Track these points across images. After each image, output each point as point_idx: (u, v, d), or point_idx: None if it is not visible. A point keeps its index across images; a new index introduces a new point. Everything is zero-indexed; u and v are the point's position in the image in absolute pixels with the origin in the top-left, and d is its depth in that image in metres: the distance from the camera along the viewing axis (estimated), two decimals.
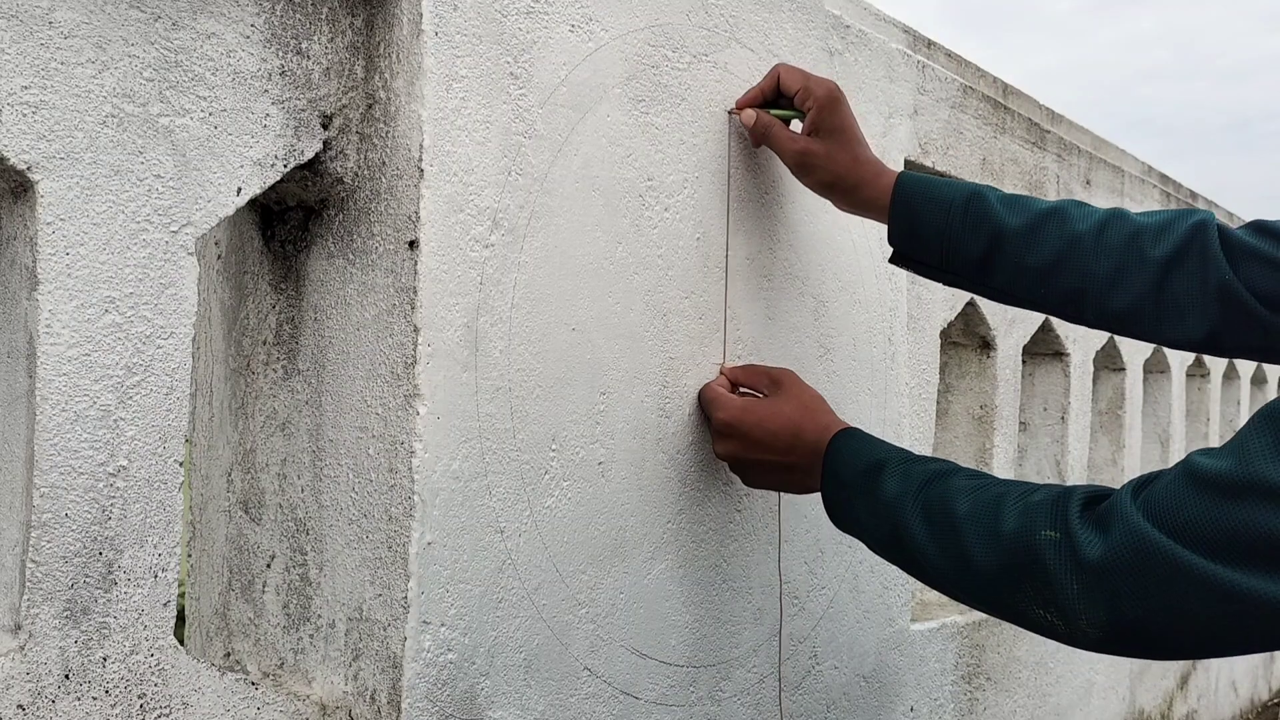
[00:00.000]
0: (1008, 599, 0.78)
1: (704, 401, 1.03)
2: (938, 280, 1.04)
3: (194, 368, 1.01)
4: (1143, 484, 0.73)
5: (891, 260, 1.06)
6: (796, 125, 1.06)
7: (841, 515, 0.93)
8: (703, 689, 1.06)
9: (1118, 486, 0.75)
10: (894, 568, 1.33)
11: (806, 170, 1.03)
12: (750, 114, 1.05)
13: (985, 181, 1.56)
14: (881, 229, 1.29)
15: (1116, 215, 0.95)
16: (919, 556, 0.84)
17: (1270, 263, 0.86)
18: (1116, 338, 2.16)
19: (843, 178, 1.02)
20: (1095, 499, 0.75)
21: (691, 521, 1.04)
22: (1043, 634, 0.78)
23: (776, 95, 1.05)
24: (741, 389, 1.05)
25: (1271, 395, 3.30)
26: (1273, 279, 0.86)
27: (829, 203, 1.11)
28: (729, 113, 1.07)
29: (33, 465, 0.69)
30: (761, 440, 0.96)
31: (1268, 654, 3.13)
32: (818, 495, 0.95)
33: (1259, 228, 0.89)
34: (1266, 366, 3.16)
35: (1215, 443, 2.82)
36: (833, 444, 0.94)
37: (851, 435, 0.95)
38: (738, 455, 0.99)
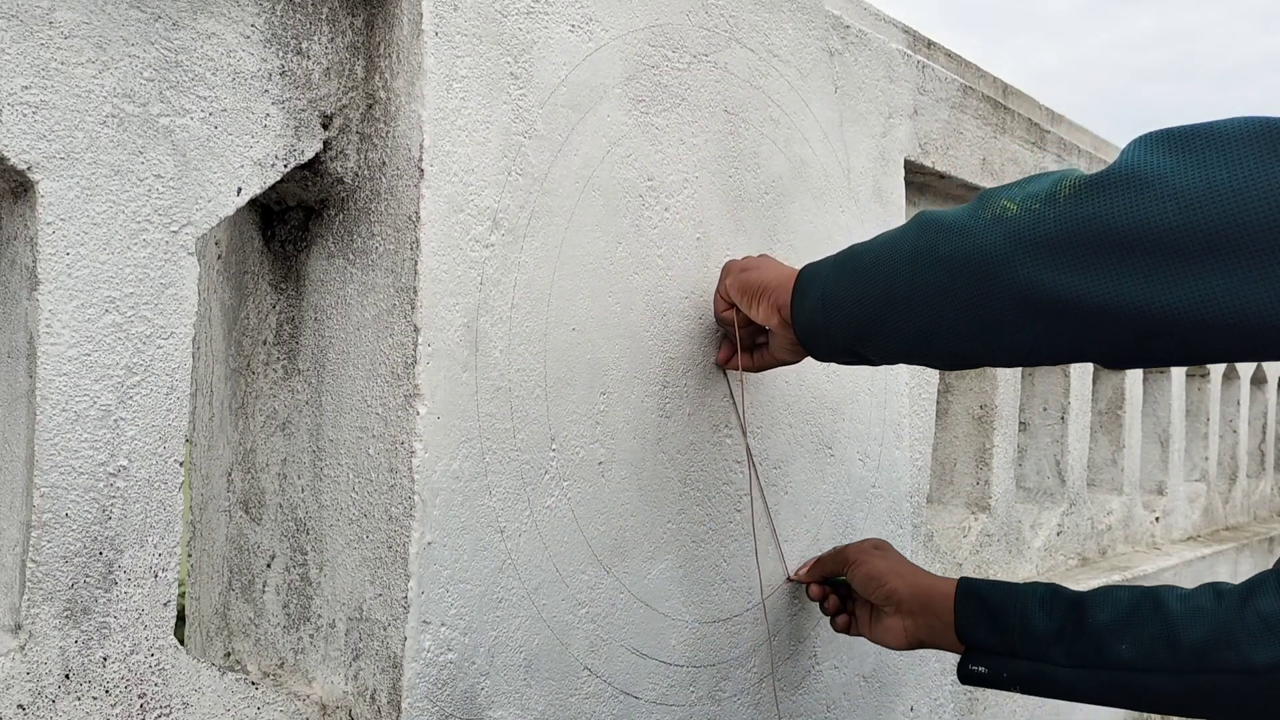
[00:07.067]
0: None
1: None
2: (997, 679, 0.97)
3: (194, 368, 1.01)
4: None
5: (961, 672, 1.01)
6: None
7: None
8: (703, 689, 1.06)
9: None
10: None
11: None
12: (815, 590, 1.13)
13: (985, 182, 1.56)
14: (880, 230, 1.29)
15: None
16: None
17: None
18: None
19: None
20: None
21: (691, 521, 1.05)
22: None
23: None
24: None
25: (1272, 395, 3.30)
26: None
27: (828, 203, 1.10)
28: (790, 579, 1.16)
29: (33, 465, 0.69)
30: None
31: None
32: (816, 495, 0.96)
33: None
34: (1266, 366, 3.15)
35: (1214, 443, 2.82)
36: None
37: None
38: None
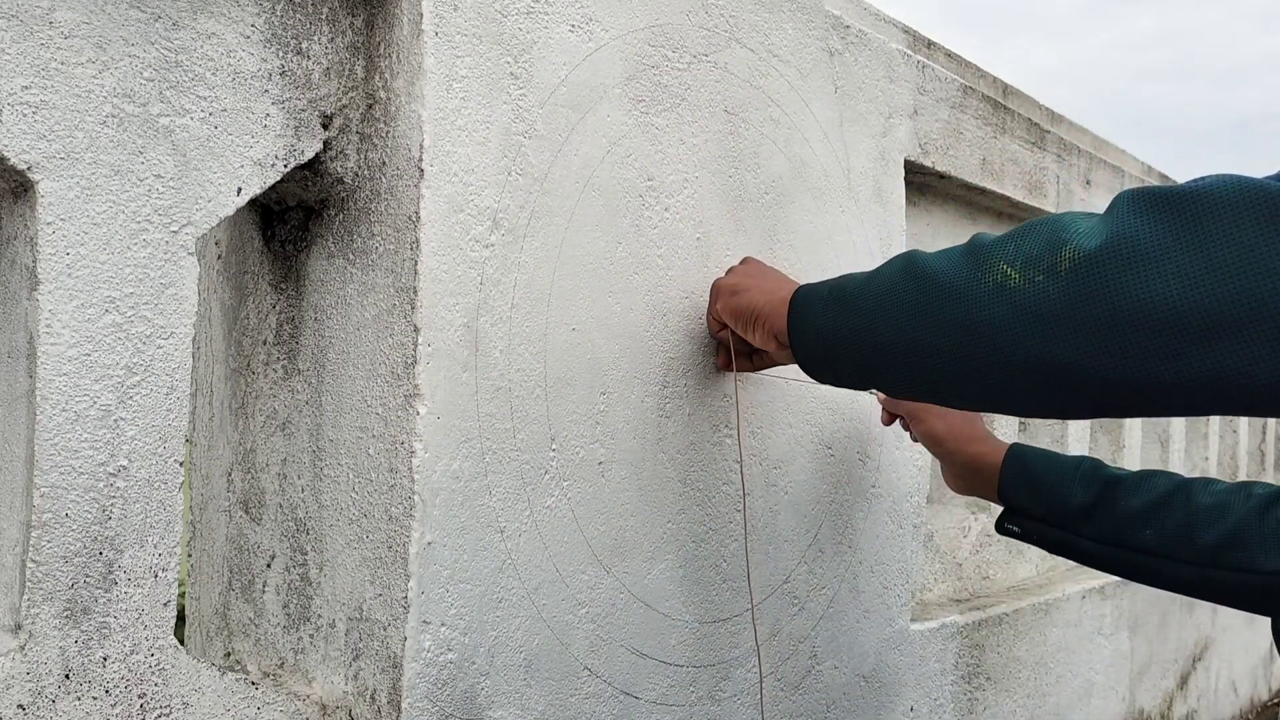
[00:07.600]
0: None
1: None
2: (1029, 538, 1.10)
3: (194, 368, 1.01)
4: None
5: (998, 524, 1.13)
6: None
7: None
8: (703, 689, 1.06)
9: None
10: (894, 568, 1.33)
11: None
12: (886, 417, 1.23)
13: (985, 183, 1.56)
14: (880, 230, 1.29)
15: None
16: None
17: None
18: None
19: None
20: None
21: (691, 521, 1.05)
22: None
23: None
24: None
25: None
26: None
27: (828, 203, 1.10)
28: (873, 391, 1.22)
29: (33, 465, 0.69)
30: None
31: (1266, 655, 3.13)
32: (816, 495, 0.96)
33: None
34: None
35: (1214, 443, 2.82)
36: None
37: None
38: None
